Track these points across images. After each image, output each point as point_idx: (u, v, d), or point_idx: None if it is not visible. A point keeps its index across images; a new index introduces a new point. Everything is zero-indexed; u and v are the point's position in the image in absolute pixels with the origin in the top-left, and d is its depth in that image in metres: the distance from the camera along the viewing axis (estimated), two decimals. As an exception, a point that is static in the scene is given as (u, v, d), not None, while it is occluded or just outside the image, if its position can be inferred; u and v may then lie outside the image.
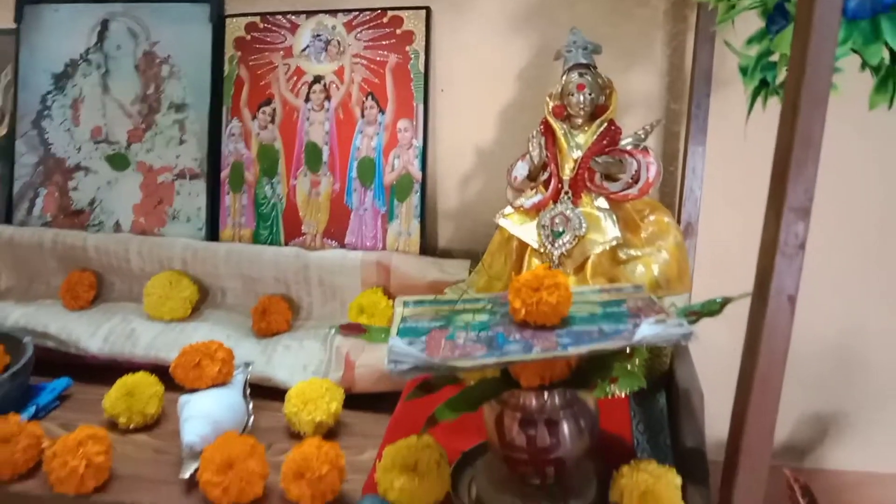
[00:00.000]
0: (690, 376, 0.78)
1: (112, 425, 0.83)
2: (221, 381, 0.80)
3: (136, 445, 0.81)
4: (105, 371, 0.90)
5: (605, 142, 0.81)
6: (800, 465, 1.09)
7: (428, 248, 1.02)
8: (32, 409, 0.85)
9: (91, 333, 0.93)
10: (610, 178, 0.82)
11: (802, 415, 1.07)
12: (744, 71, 0.62)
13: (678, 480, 0.65)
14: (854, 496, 1.07)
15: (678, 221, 0.94)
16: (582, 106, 0.82)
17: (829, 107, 0.50)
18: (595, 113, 0.83)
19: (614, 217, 0.80)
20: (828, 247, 0.98)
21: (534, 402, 0.64)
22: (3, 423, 0.75)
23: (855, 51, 0.52)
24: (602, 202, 0.81)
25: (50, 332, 0.93)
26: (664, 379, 0.81)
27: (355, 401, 0.86)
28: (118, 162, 1.06)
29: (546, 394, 0.64)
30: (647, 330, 0.59)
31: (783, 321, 0.55)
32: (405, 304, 0.72)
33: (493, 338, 0.62)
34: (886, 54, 0.56)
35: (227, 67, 1.04)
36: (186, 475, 0.73)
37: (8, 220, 1.08)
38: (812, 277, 0.98)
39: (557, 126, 0.83)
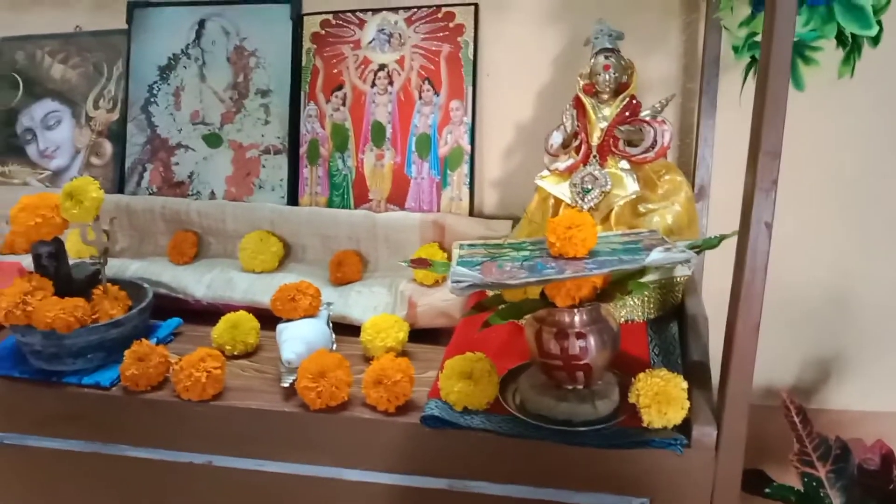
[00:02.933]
0: (698, 306, 0.93)
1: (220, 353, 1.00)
2: (311, 313, 0.97)
3: (240, 368, 0.97)
4: (208, 315, 1.06)
5: (627, 113, 0.96)
6: (805, 406, 1.22)
7: (476, 211, 1.16)
8: (154, 341, 1.03)
9: (196, 281, 1.10)
10: (631, 144, 0.97)
11: (806, 359, 1.19)
12: (735, 49, 0.77)
13: (685, 384, 0.79)
14: (852, 433, 1.19)
15: (693, 185, 1.09)
16: (608, 83, 0.97)
17: (825, 72, 0.62)
18: (619, 89, 0.98)
19: (634, 176, 0.95)
20: (816, 206, 1.11)
21: (566, 318, 0.79)
22: (139, 346, 0.93)
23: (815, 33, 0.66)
24: (624, 164, 0.96)
25: (163, 280, 1.11)
26: (677, 310, 0.96)
27: (417, 335, 1.01)
28: (213, 140, 1.24)
29: (576, 311, 0.79)
30: (656, 255, 0.74)
31: (762, 243, 0.70)
32: (461, 246, 0.88)
33: (534, 265, 0.77)
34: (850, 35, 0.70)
35: (304, 58, 1.20)
36: (286, 384, 0.90)
37: (120, 190, 1.26)
38: (812, 229, 1.13)
39: (587, 100, 0.98)
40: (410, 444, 0.84)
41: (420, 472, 0.85)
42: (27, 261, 1.17)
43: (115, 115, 1.28)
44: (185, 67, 1.24)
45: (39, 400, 0.94)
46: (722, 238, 0.79)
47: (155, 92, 1.25)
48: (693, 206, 0.97)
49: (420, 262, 0.86)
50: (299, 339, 0.92)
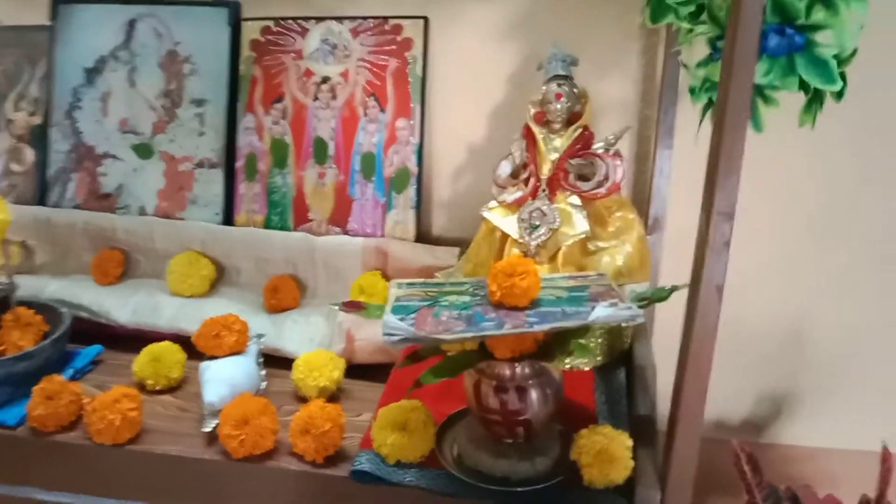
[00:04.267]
0: (646, 355, 0.89)
1: (140, 387, 0.92)
2: (238, 350, 0.91)
3: (162, 405, 0.92)
4: (132, 340, 1.00)
5: (578, 146, 0.92)
6: (756, 440, 1.20)
7: (422, 235, 1.11)
8: (70, 372, 0.96)
9: (120, 306, 1.03)
10: (583, 178, 0.92)
11: (759, 394, 1.17)
12: (692, 91, 0.73)
13: (629, 442, 0.75)
14: (803, 469, 1.18)
15: (648, 217, 1.05)
16: (559, 113, 0.92)
17: (779, 116, 0.59)
18: (571, 119, 0.93)
19: (584, 213, 0.90)
20: (779, 239, 1.09)
21: (506, 371, 0.75)
22: (49, 382, 0.86)
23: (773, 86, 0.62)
24: (575, 199, 0.91)
25: (83, 303, 1.04)
26: (624, 357, 0.92)
27: (355, 371, 0.96)
28: (143, 151, 1.16)
29: (517, 365, 0.75)
30: (601, 312, 0.70)
31: (712, 306, 0.66)
32: (398, 285, 0.82)
33: (472, 316, 0.72)
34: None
35: (242, 67, 1.13)
36: (208, 429, 0.84)
37: (42, 202, 1.18)
38: (765, 268, 1.10)
39: (537, 130, 0.93)
40: (339, 500, 0.79)
41: (350, 528, 0.80)
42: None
43: (38, 119, 1.19)
44: (113, 71, 1.16)
45: (-64, 440, 0.87)
46: (672, 290, 0.75)
47: (80, 96, 1.17)
48: (645, 245, 0.92)
49: (353, 305, 0.80)
50: (223, 380, 0.86)
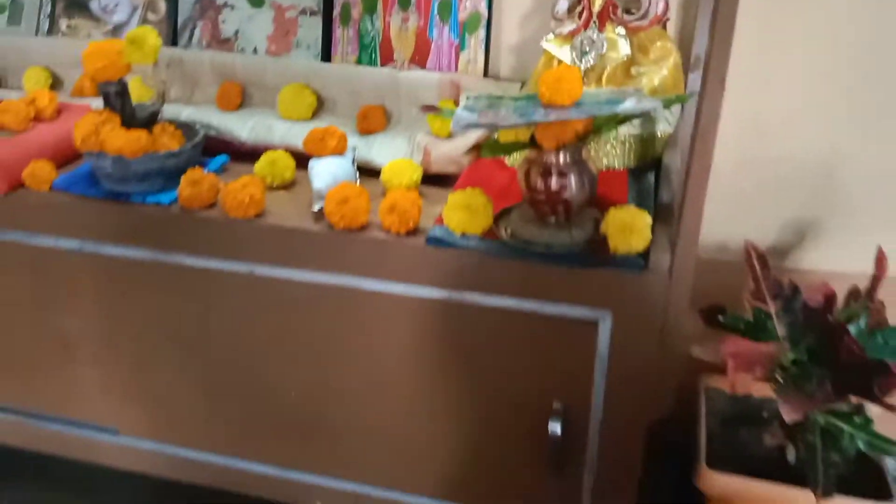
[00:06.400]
0: (675, 160, 1.05)
1: (260, 184, 1.16)
2: (338, 152, 1.13)
3: (278, 197, 1.14)
4: (250, 156, 1.22)
5: (626, -18, 1.07)
6: (781, 265, 1.35)
7: (490, 74, 1.28)
8: (205, 172, 1.20)
9: (240, 126, 1.26)
10: (629, 11, 1.07)
11: (784, 223, 1.31)
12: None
13: (649, 219, 0.93)
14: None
15: (690, 55, 1.18)
16: (611, -46, 1.06)
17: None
18: (623, -41, 1.07)
19: (628, 41, 1.06)
20: (815, 80, 1.20)
21: (551, 158, 0.93)
22: (193, 172, 1.10)
23: None
24: (621, 30, 1.06)
25: (212, 124, 1.26)
26: (655, 163, 1.09)
27: (430, 180, 1.16)
28: (255, 1, 1.35)
29: (559, 153, 0.93)
30: (628, 104, 0.87)
31: (716, 95, 0.82)
32: (468, 97, 1.01)
33: (525, 111, 0.91)
34: None
35: (339, -76, 1.30)
36: (316, 209, 1.06)
37: (174, 44, 1.40)
38: (794, 106, 1.22)
39: (591, -30, 1.08)
40: (417, 261, 1.01)
41: (424, 283, 1.02)
42: (95, 103, 1.34)
43: (169, -24, 1.40)
44: (231, -70, 1.35)
45: (111, 215, 1.12)
46: (693, 94, 0.91)
47: (204, -47, 1.37)
48: (679, 71, 1.07)
49: (431, 108, 0.99)
50: (328, 172, 1.08)
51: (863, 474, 1.08)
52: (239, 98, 1.34)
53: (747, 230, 1.33)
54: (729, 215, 1.28)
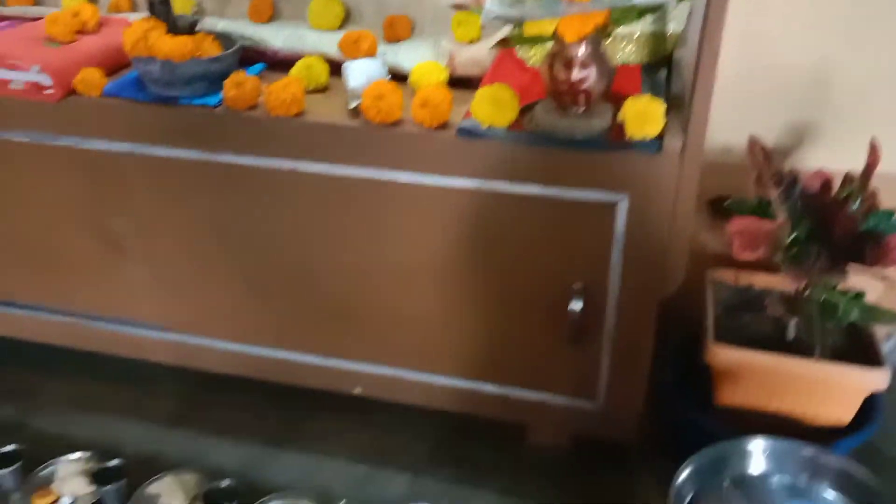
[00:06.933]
0: (685, 56, 1.13)
1: (296, 90, 1.24)
2: (371, 54, 1.20)
3: (315, 99, 1.22)
4: (284, 65, 1.29)
5: None
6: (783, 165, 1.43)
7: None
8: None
9: (274, 36, 1.32)
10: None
11: (786, 127, 1.39)
12: None
13: (662, 107, 1.02)
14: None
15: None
16: None
17: None
18: None
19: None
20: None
21: (573, 50, 1.01)
22: (237, 75, 1.17)
23: None
24: (636, -68, 1.13)
25: (246, 34, 1.33)
26: (667, 59, 1.17)
27: (456, 83, 1.23)
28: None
29: (581, 45, 1.01)
30: (644, -4, 0.94)
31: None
32: (495, -4, 1.08)
33: (549, 4, 0.98)
34: None
35: None
36: (352, 106, 1.14)
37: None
38: (791, 19, 1.29)
39: None
40: (448, 152, 1.10)
41: (454, 174, 1.10)
42: (130, 18, 1.41)
43: None
44: None
45: (159, 118, 1.20)
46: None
47: None
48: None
49: (460, 6, 1.07)
50: (362, 72, 1.16)
51: (856, 345, 1.19)
52: (270, 10, 1.40)
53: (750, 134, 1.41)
54: (731, 120, 1.35)
